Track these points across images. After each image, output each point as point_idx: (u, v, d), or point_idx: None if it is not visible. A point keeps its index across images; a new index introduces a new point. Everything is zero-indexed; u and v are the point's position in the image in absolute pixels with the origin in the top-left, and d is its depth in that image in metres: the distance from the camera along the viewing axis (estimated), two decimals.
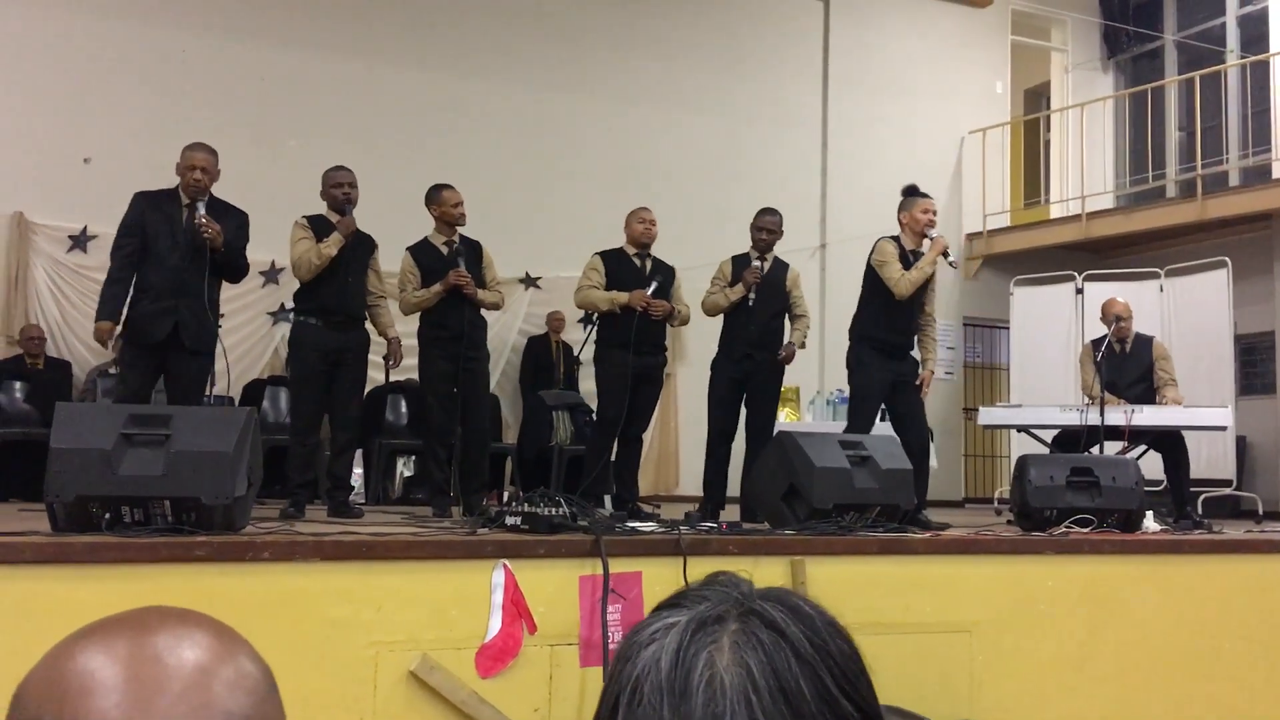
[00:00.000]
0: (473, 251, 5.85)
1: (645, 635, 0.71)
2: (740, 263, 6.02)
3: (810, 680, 0.68)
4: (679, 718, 0.66)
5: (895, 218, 5.99)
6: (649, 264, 5.98)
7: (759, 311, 5.97)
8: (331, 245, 5.43)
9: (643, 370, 5.84)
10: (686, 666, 0.68)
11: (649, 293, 5.80)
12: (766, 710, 0.66)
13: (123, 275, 5.09)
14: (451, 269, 5.68)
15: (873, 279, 5.82)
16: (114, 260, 5.17)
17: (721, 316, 6.13)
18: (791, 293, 6.14)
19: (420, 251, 5.81)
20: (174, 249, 5.05)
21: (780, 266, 6.11)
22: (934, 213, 5.86)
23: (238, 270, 5.32)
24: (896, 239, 5.86)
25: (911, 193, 5.98)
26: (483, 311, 5.88)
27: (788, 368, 6.18)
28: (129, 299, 5.10)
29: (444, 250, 5.78)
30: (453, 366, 5.70)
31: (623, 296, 5.78)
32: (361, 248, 5.64)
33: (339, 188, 5.56)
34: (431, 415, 5.81)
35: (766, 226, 6.03)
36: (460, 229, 5.86)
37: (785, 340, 6.11)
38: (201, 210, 5.04)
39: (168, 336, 5.02)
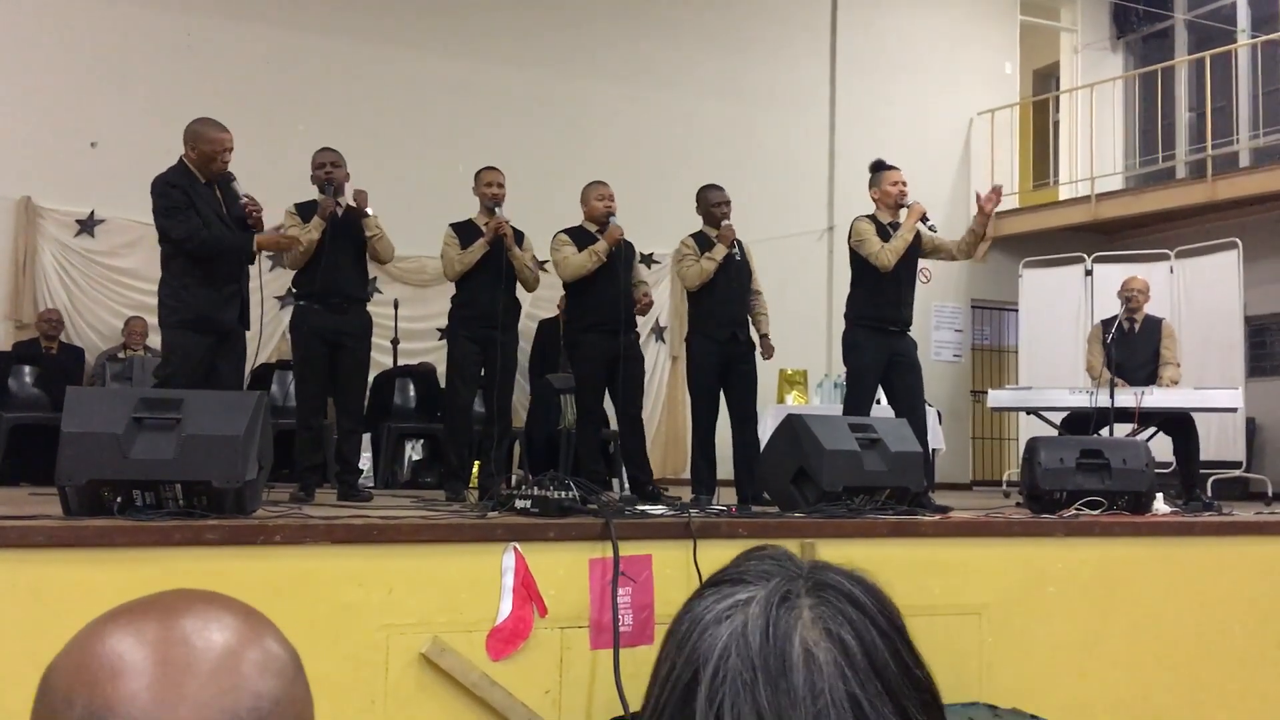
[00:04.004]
0: (514, 235, 5.82)
1: (715, 611, 0.72)
2: (702, 240, 5.90)
3: (892, 651, 0.70)
4: (778, 694, 0.67)
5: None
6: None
7: (736, 289, 5.86)
8: (312, 230, 5.39)
9: (616, 350, 5.72)
10: (780, 642, 0.68)
11: (616, 221, 5.74)
12: (862, 683, 0.68)
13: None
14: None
15: (858, 261, 5.78)
16: (202, 237, 4.84)
17: (687, 298, 6.02)
18: (750, 263, 6.04)
19: (462, 227, 5.80)
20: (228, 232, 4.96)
21: (738, 243, 5.96)
22: (903, 182, 5.78)
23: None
24: (871, 217, 5.80)
25: (878, 167, 5.91)
26: (517, 293, 5.86)
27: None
28: (183, 287, 4.89)
29: (484, 230, 5.73)
30: (480, 348, 5.69)
31: (601, 244, 5.71)
32: (352, 226, 5.57)
33: (321, 168, 5.56)
34: (455, 396, 5.80)
35: (724, 200, 5.91)
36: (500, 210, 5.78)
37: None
38: (242, 189, 5.01)
39: (235, 320, 4.99)
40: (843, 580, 0.73)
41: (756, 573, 0.74)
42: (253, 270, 5.15)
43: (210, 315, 4.90)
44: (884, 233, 5.72)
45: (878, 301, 5.70)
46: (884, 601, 0.73)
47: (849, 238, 5.85)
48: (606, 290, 5.71)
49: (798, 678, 0.67)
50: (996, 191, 5.77)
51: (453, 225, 5.83)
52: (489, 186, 5.80)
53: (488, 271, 5.66)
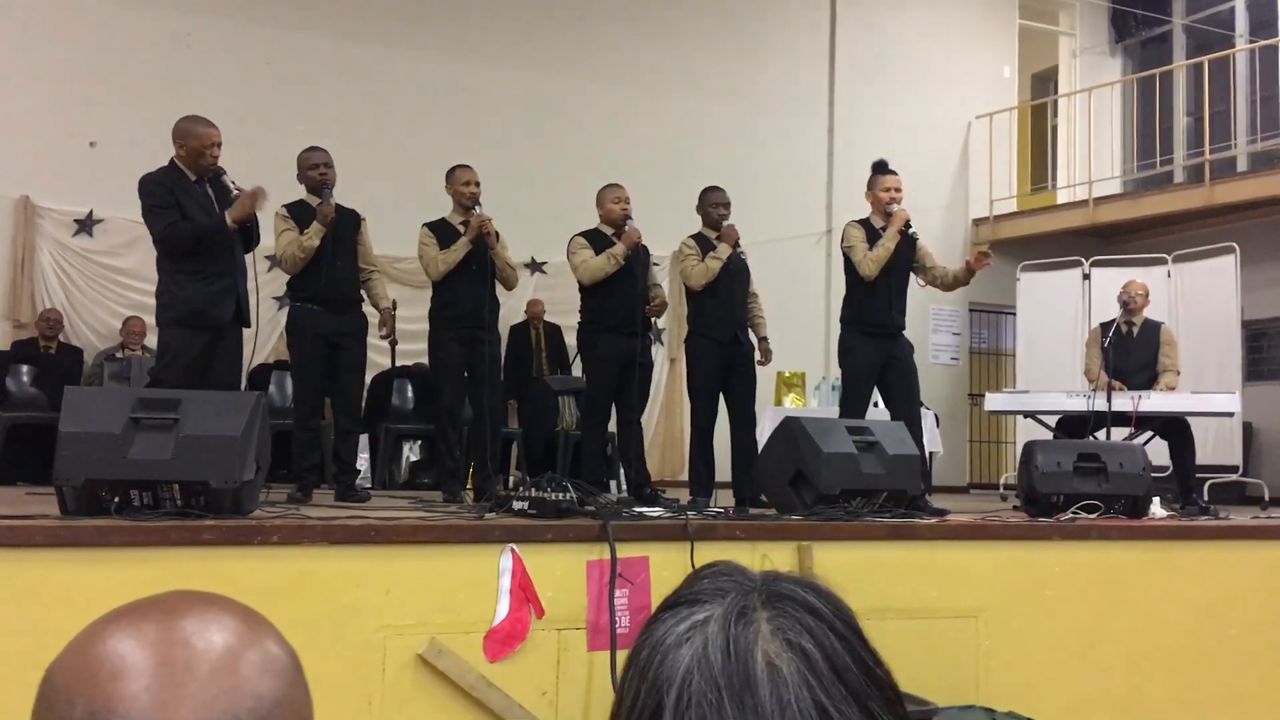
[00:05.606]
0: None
1: (675, 635, 0.71)
2: (701, 241, 5.89)
3: (852, 654, 0.70)
4: (744, 711, 0.66)
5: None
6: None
7: (738, 290, 5.88)
8: (313, 236, 5.36)
9: (630, 353, 5.73)
10: (743, 658, 0.68)
11: (635, 224, 5.73)
12: (826, 690, 0.68)
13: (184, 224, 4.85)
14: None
15: (850, 265, 5.79)
16: (175, 232, 4.82)
17: (687, 300, 6.03)
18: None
19: (437, 227, 5.75)
20: None
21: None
22: (896, 189, 5.78)
23: (254, 238, 5.22)
24: (863, 222, 5.82)
25: (878, 169, 5.92)
26: (498, 292, 5.86)
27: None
28: (175, 284, 4.87)
29: (460, 230, 5.70)
30: (464, 347, 5.67)
31: (619, 248, 5.68)
32: (346, 226, 5.55)
33: (315, 169, 5.51)
34: (443, 398, 5.78)
35: (723, 201, 5.92)
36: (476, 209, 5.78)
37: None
38: (234, 184, 4.99)
39: (230, 316, 4.96)
40: (796, 589, 0.73)
41: (711, 591, 0.73)
42: (250, 269, 5.13)
43: (202, 310, 4.87)
44: (875, 238, 5.74)
45: (870, 305, 5.72)
46: (838, 605, 0.73)
47: (841, 243, 5.87)
48: (624, 293, 5.70)
49: (763, 692, 0.67)
50: (986, 255, 5.80)
51: (428, 225, 5.76)
52: (466, 185, 5.73)
53: (471, 270, 5.64)
